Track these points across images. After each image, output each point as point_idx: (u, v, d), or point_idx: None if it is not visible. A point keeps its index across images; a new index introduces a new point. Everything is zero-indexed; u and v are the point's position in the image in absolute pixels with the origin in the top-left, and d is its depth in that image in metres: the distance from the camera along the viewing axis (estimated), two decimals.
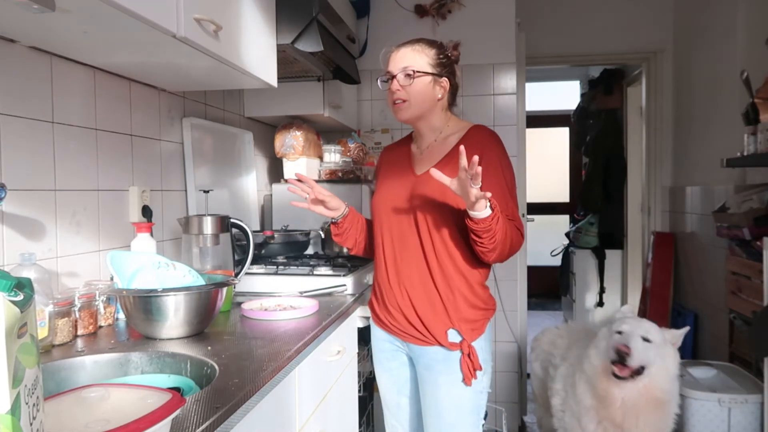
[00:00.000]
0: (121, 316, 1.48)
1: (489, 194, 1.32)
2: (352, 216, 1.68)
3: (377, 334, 1.69)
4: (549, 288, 5.89)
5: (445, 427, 1.54)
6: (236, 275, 1.75)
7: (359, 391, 1.92)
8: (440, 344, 1.52)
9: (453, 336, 1.52)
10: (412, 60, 1.54)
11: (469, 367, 1.50)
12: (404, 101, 1.54)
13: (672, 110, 3.89)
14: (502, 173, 1.53)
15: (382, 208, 1.61)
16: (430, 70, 1.54)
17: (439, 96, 1.57)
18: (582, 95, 5.46)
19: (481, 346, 1.54)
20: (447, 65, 1.58)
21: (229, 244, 1.79)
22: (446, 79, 1.57)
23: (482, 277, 1.58)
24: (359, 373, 1.93)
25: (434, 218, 1.51)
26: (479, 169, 1.27)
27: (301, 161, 2.56)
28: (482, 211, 1.34)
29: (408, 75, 1.53)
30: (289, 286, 1.85)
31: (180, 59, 1.48)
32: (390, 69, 1.56)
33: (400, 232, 1.57)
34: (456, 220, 1.49)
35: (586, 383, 2.10)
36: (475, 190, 1.30)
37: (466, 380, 1.50)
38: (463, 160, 1.29)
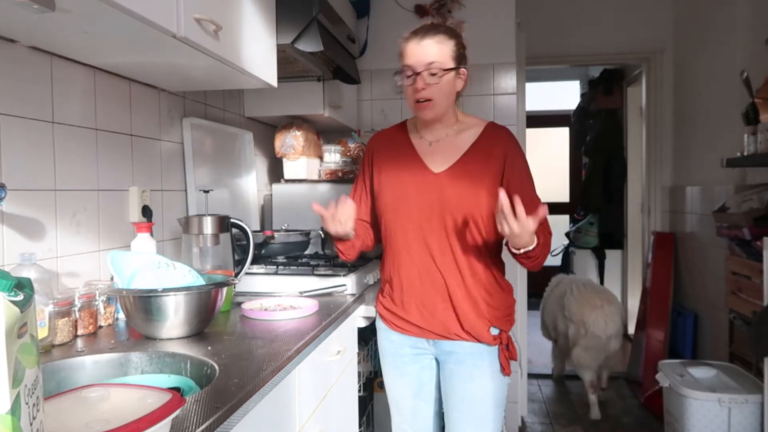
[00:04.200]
0: (121, 316, 1.48)
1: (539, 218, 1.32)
2: (359, 228, 1.61)
3: (393, 338, 1.62)
4: None
5: (476, 420, 1.52)
6: (236, 275, 1.75)
7: (359, 391, 1.92)
8: (482, 341, 1.51)
9: (493, 330, 1.53)
10: (438, 55, 1.43)
11: (507, 357, 1.51)
12: (430, 100, 1.45)
13: (672, 110, 3.89)
14: (528, 175, 1.54)
15: (400, 209, 1.54)
16: (453, 64, 1.45)
17: (459, 88, 1.51)
18: (582, 95, 5.46)
19: (513, 335, 1.57)
20: (464, 54, 1.50)
21: (229, 244, 1.79)
22: (464, 69, 1.50)
23: (503, 264, 1.62)
24: (359, 373, 1.93)
25: (465, 216, 1.48)
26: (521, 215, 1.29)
27: (301, 161, 2.56)
28: (531, 245, 1.37)
29: (434, 73, 1.43)
30: (289, 286, 1.85)
31: (180, 59, 1.48)
32: (411, 63, 1.44)
33: (428, 231, 1.51)
34: (486, 214, 1.49)
35: None
36: (530, 227, 1.30)
37: (505, 370, 1.51)
38: (506, 206, 1.28)
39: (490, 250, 1.54)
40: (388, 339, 1.64)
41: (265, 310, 1.58)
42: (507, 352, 1.52)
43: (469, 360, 1.52)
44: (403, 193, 1.54)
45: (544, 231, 1.44)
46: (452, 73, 1.46)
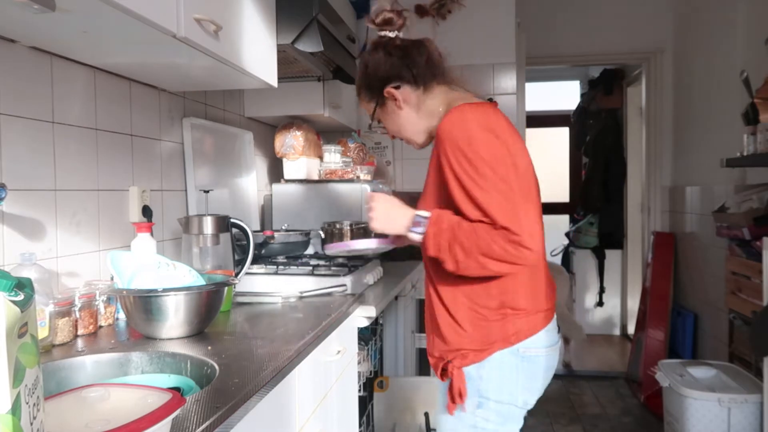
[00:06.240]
0: (122, 316, 1.48)
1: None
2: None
3: None
4: None
5: None
6: (236, 275, 1.75)
7: (359, 391, 1.92)
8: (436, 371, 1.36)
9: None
10: (364, 105, 1.46)
11: (452, 393, 1.29)
12: (402, 138, 1.47)
13: (672, 110, 3.89)
14: (452, 171, 1.21)
15: None
16: (375, 104, 1.41)
17: (401, 107, 1.37)
18: (582, 95, 5.46)
19: (479, 375, 1.27)
20: (383, 75, 1.36)
21: (229, 244, 1.79)
22: (390, 89, 1.36)
23: (491, 290, 1.26)
24: (359, 373, 1.93)
25: None
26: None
27: (301, 161, 2.56)
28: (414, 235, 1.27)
29: (378, 122, 1.46)
30: (289, 286, 1.85)
31: (180, 59, 1.48)
32: None
33: None
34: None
35: None
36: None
37: (448, 407, 1.31)
38: None
39: (462, 278, 1.26)
40: None
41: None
42: (452, 389, 1.29)
43: (441, 388, 1.39)
44: None
45: (456, 226, 1.19)
46: (383, 108, 1.41)
